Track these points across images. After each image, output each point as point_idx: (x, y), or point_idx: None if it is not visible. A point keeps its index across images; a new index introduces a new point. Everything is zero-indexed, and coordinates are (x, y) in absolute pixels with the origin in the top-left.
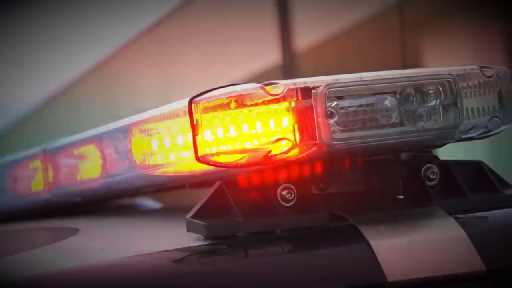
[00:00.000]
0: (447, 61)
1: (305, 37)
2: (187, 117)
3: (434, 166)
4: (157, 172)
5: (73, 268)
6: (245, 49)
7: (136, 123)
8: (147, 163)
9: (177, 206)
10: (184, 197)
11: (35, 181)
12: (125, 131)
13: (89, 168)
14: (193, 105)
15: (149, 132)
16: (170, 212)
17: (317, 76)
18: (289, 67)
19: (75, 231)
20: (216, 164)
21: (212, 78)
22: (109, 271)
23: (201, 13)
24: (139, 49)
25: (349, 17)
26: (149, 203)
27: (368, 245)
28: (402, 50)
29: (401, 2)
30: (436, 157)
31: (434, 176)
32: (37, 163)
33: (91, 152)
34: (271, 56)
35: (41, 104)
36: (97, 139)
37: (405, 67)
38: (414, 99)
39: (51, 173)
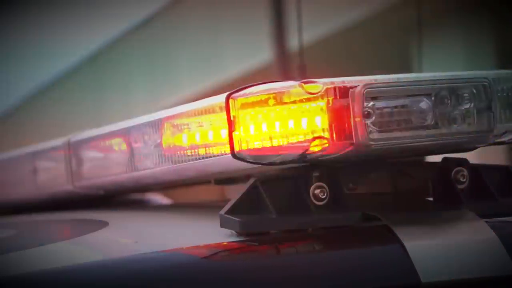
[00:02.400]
0: (439, 64)
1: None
2: (223, 113)
3: (464, 169)
4: (188, 167)
5: (107, 260)
6: (237, 47)
7: (168, 118)
8: (178, 158)
9: (201, 202)
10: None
11: (57, 172)
12: (157, 125)
13: (115, 161)
14: (230, 101)
15: (182, 127)
16: (196, 207)
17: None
18: (283, 66)
19: (104, 223)
20: (252, 161)
21: (203, 76)
22: (144, 264)
23: (193, 9)
24: (129, 46)
25: (343, 18)
26: (167, 199)
27: (402, 245)
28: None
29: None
30: (466, 160)
31: (464, 179)
32: (60, 155)
33: (118, 145)
34: (264, 54)
35: (27, 99)
36: (125, 133)
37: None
38: (449, 101)
39: (74, 165)
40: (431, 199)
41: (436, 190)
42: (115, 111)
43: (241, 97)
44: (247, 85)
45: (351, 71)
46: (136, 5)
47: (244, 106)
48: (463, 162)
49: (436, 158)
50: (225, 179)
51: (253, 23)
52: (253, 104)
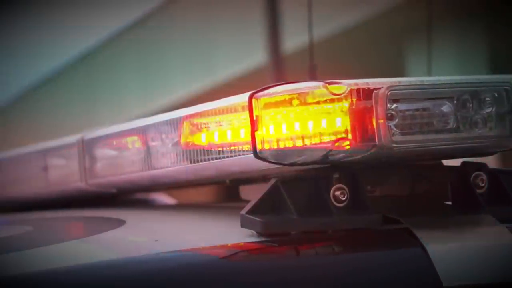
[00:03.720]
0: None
1: (294, 38)
2: (245, 113)
3: (483, 173)
4: (207, 166)
5: (128, 258)
6: (230, 48)
7: (188, 116)
8: (197, 157)
9: (214, 202)
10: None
11: (70, 170)
12: (175, 123)
13: (130, 160)
14: (253, 101)
15: (202, 126)
16: (209, 208)
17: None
18: (276, 68)
19: (122, 222)
20: (274, 161)
21: (194, 77)
22: (166, 263)
23: (186, 9)
24: (121, 46)
25: (336, 22)
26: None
27: (424, 249)
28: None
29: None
30: (485, 164)
31: (483, 184)
32: (74, 152)
33: (134, 143)
34: (258, 56)
35: (19, 96)
36: (141, 131)
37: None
38: (471, 105)
39: (87, 163)
40: (449, 203)
41: (455, 194)
42: (105, 112)
43: (264, 96)
44: (270, 85)
45: (344, 73)
46: (129, 5)
47: (267, 105)
48: (482, 166)
49: (454, 162)
50: (240, 179)
51: (247, 25)
52: (277, 104)
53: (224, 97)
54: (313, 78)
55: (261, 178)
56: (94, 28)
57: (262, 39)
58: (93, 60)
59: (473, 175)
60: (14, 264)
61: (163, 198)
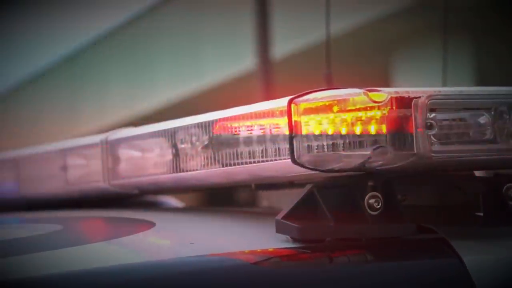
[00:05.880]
0: (416, 79)
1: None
2: (282, 118)
3: None
4: (240, 170)
5: (160, 261)
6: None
7: (221, 120)
8: (229, 161)
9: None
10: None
11: (92, 169)
12: (207, 126)
13: (156, 161)
14: (292, 106)
15: (235, 130)
16: (240, 212)
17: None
18: (264, 73)
19: (151, 224)
20: (311, 167)
21: (182, 80)
22: (198, 267)
23: (176, 12)
24: (108, 47)
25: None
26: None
27: (460, 259)
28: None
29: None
30: None
31: None
32: (97, 152)
33: (161, 145)
34: (246, 61)
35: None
36: (169, 133)
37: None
38: (508, 116)
39: (111, 163)
40: (480, 214)
41: (487, 205)
42: (88, 114)
43: (304, 102)
44: (308, 91)
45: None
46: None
47: (306, 111)
48: None
49: (485, 173)
50: (266, 185)
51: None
52: (316, 110)
53: (212, 101)
54: (329, 85)
55: (287, 184)
56: (80, 29)
57: (251, 44)
58: (79, 61)
59: (506, 186)
60: (43, 264)
61: (171, 200)
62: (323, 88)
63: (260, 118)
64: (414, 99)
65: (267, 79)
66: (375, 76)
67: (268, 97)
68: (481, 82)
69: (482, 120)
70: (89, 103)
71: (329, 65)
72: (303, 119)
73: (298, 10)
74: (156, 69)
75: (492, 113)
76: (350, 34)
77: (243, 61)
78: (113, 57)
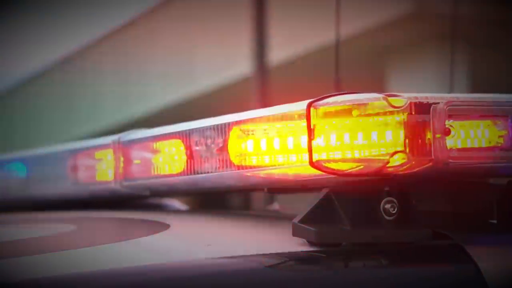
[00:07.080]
0: (412, 86)
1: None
2: (300, 121)
3: None
4: (255, 173)
5: (176, 262)
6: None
7: (237, 122)
8: (244, 163)
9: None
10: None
11: (104, 171)
12: (222, 129)
13: (169, 163)
14: (311, 109)
15: (251, 133)
16: (254, 215)
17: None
18: (260, 78)
19: (166, 225)
20: (328, 171)
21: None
22: (214, 269)
23: (172, 16)
24: (103, 51)
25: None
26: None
27: (476, 266)
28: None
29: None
30: None
31: None
32: (109, 153)
33: (175, 147)
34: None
35: None
36: (184, 135)
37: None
38: None
39: (122, 164)
40: (494, 221)
41: (501, 212)
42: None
43: (323, 105)
44: (328, 94)
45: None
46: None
47: (325, 115)
48: None
49: (499, 180)
50: (279, 188)
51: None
52: (335, 114)
53: (206, 106)
54: (338, 90)
55: (299, 187)
56: (72, 34)
57: (247, 50)
58: (72, 66)
59: None
60: (59, 264)
61: (175, 203)
62: (342, 92)
63: (278, 121)
64: (432, 105)
65: (263, 85)
66: (370, 83)
67: (264, 102)
68: (478, 90)
69: (499, 127)
70: (80, 104)
71: (338, 71)
72: (323, 122)
73: (294, 17)
74: (150, 74)
75: (509, 120)
76: (350, 40)
77: (239, 66)
78: (106, 59)
